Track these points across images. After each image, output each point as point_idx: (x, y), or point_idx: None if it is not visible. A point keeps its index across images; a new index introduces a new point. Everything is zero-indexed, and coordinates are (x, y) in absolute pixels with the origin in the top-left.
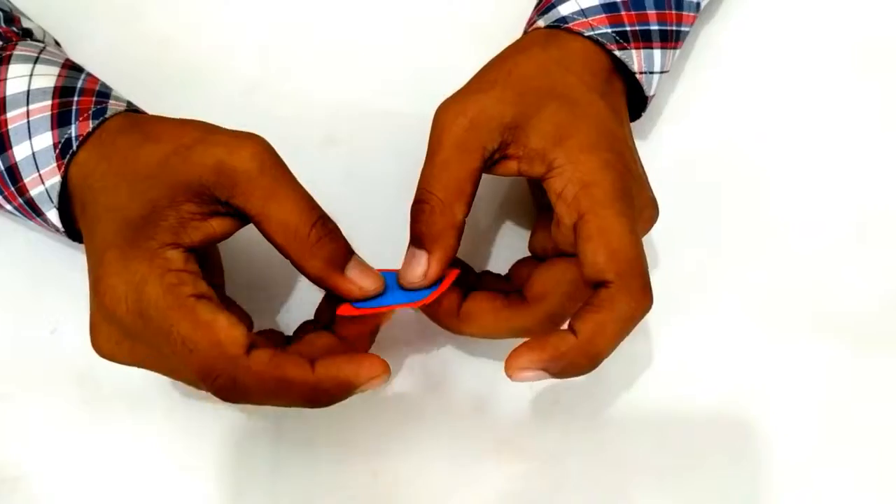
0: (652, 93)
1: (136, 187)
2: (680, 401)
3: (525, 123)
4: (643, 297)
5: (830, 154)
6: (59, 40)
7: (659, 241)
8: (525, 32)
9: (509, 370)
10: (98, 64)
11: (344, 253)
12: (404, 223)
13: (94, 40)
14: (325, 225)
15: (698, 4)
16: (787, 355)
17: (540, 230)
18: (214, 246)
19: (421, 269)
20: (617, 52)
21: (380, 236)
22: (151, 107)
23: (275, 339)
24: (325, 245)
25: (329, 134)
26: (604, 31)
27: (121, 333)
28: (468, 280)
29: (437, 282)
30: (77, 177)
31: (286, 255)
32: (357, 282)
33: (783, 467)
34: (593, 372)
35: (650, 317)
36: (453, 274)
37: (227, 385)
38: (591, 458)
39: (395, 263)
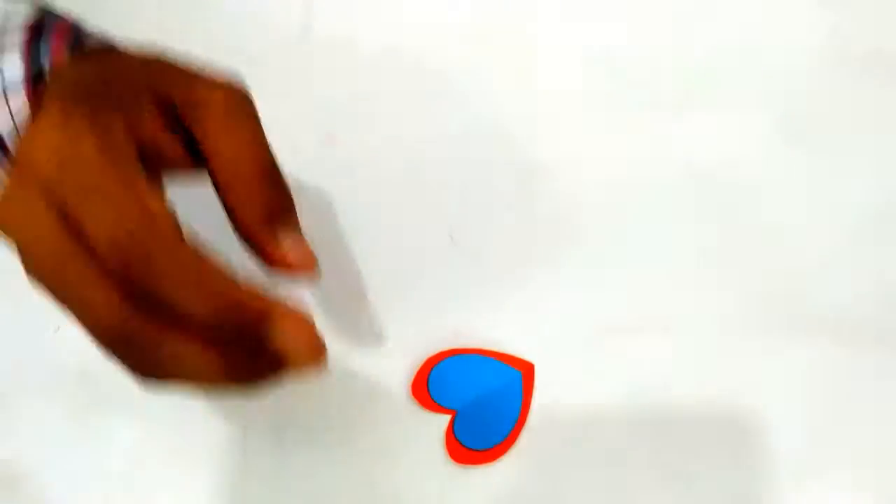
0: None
1: (96, 77)
2: (680, 400)
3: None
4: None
5: (828, 154)
6: None
7: (655, 242)
8: None
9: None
10: None
11: (283, 208)
12: (404, 223)
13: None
14: (273, 173)
15: None
16: (786, 355)
17: None
18: None
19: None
20: None
21: (380, 236)
22: None
23: None
24: (265, 192)
25: (329, 134)
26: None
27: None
28: None
29: None
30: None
31: (224, 203)
32: (286, 252)
33: (783, 467)
34: (592, 371)
35: (650, 317)
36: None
37: (137, 255)
38: (591, 458)
39: (393, 263)
